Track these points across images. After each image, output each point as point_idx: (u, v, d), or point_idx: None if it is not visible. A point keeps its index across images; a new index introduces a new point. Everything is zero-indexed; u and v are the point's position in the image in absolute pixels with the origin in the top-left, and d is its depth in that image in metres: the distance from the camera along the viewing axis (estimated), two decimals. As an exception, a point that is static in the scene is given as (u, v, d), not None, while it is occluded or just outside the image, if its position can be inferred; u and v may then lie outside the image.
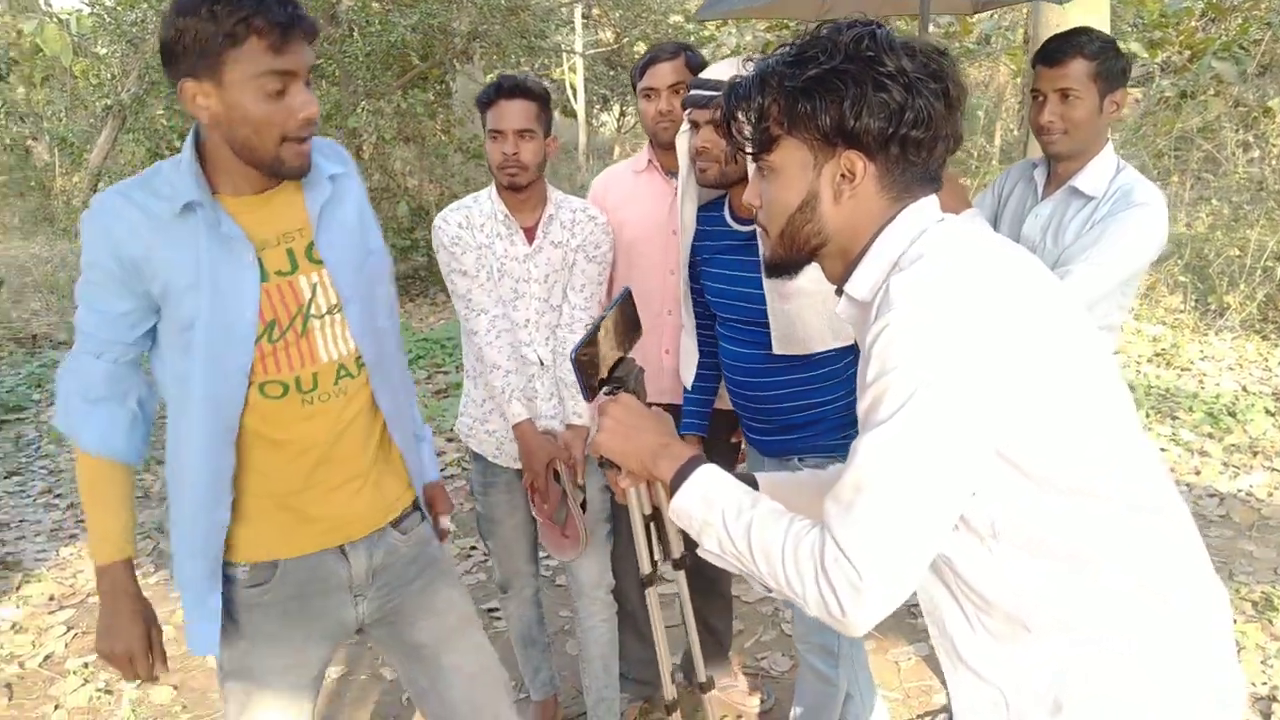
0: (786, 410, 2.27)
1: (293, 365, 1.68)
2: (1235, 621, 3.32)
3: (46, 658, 3.46)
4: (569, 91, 16.64)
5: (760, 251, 1.32)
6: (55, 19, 14.63)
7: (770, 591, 1.23)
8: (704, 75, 2.15)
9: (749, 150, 1.28)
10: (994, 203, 2.58)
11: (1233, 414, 5.18)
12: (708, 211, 2.34)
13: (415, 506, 1.93)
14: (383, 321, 1.82)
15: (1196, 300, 7.04)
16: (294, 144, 1.56)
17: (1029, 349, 1.12)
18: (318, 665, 1.86)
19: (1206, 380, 5.76)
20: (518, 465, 2.57)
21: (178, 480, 1.73)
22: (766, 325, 2.19)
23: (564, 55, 12.24)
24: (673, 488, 1.30)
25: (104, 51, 13.09)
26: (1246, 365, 6.06)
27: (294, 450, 1.71)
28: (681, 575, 1.71)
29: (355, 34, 8.19)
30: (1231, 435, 5.00)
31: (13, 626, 3.68)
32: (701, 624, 2.97)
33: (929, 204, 1.25)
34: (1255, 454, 4.80)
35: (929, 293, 1.11)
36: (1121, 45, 7.43)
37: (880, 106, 1.16)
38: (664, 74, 2.48)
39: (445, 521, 2.04)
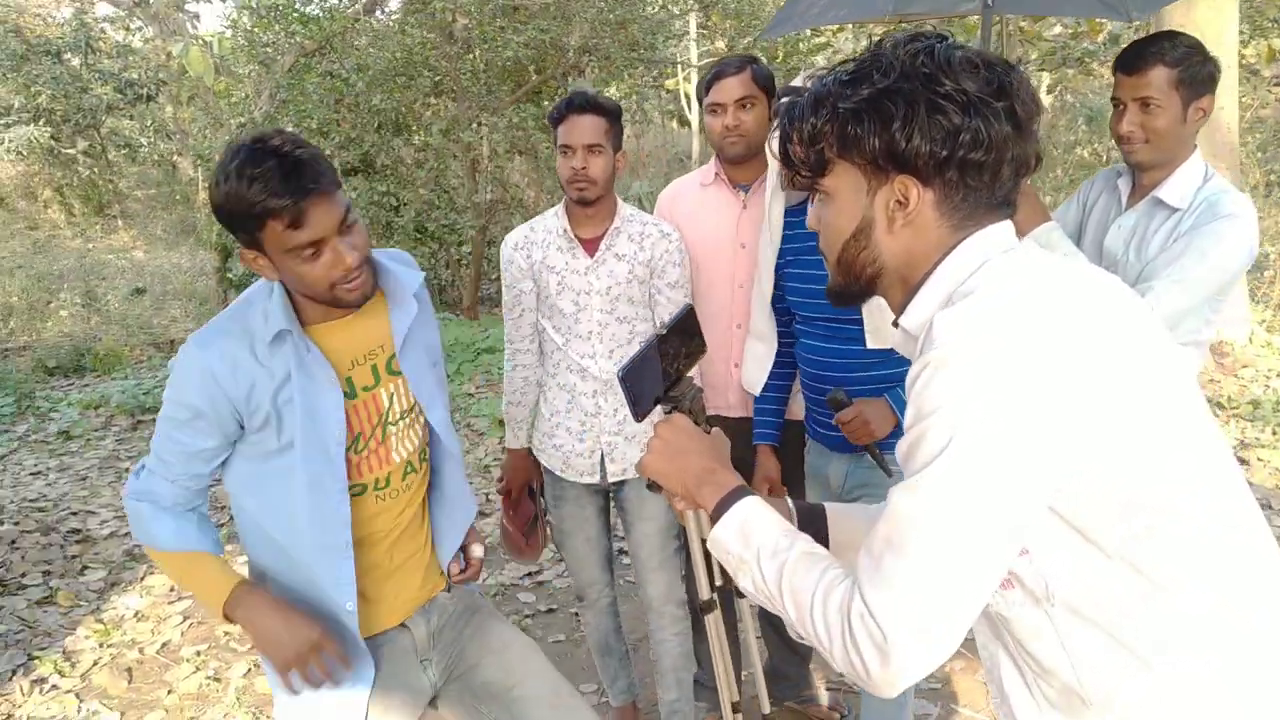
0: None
1: (373, 469, 1.84)
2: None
3: (164, 645, 3.69)
4: (684, 101, 16.71)
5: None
6: (201, 41, 15.50)
7: (802, 639, 1.17)
8: (795, 83, 2.11)
9: (803, 174, 1.22)
10: (1079, 212, 2.51)
11: (1367, 433, 4.88)
12: (793, 215, 2.34)
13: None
14: (443, 416, 1.96)
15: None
16: (343, 285, 1.67)
17: (1088, 389, 1.02)
18: None
19: (1341, 397, 5.43)
20: (585, 480, 2.65)
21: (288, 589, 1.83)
22: (857, 321, 2.20)
23: (679, 66, 12.29)
24: (713, 518, 1.26)
25: (243, 71, 13.80)
26: (1388, 381, 5.69)
27: (364, 543, 1.84)
28: (744, 602, 1.71)
29: (474, 51, 8.44)
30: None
31: (135, 615, 3.94)
32: (781, 639, 2.99)
33: (997, 232, 1.15)
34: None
35: (974, 331, 1.03)
36: (1264, 41, 7.02)
37: (934, 128, 1.09)
38: (730, 89, 2.48)
39: (478, 550, 2.12)
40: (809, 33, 13.05)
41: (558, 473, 2.69)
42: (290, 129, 9.67)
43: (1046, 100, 14.12)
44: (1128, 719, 1.12)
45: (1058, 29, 12.21)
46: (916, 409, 1.04)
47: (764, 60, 2.53)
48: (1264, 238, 7.38)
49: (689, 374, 1.45)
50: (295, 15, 9.11)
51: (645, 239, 2.55)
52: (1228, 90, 6.19)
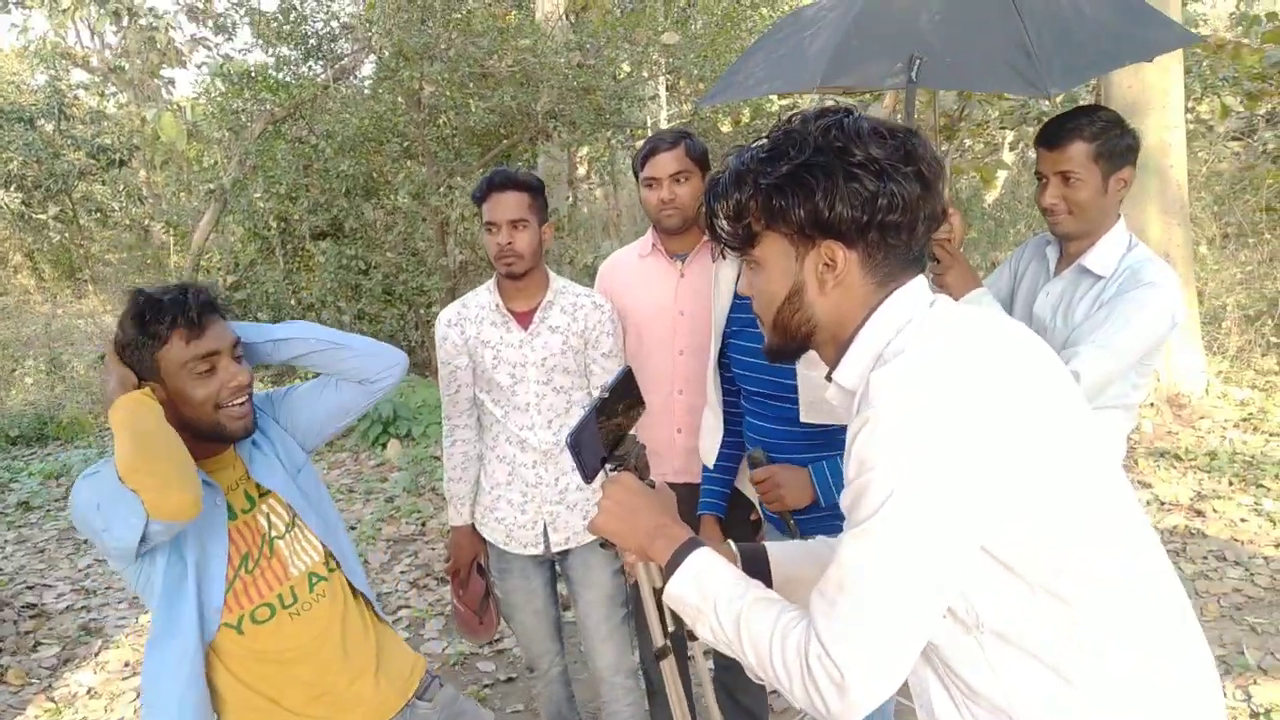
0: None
1: (271, 586, 1.88)
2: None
3: (115, 723, 3.63)
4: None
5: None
6: (175, 106, 15.63)
7: (761, 680, 1.23)
8: None
9: (732, 245, 1.29)
10: (1010, 279, 2.56)
11: (1323, 482, 4.94)
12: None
13: (431, 675, 2.12)
14: (332, 518, 2.05)
15: (1291, 362, 6.74)
16: (231, 406, 1.81)
17: (1013, 441, 1.09)
18: None
19: (1297, 446, 5.50)
20: (529, 551, 2.66)
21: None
22: (793, 398, 2.20)
23: (648, 128, 12.50)
24: (667, 572, 1.31)
25: (213, 137, 13.89)
26: (1342, 431, 5.77)
27: (301, 663, 1.89)
28: (702, 664, 1.72)
29: (442, 117, 8.54)
30: (1320, 503, 4.76)
31: (88, 692, 3.87)
32: (733, 702, 2.97)
33: (916, 287, 1.23)
34: (1344, 525, 4.56)
35: (907, 389, 1.10)
36: (1217, 98, 7.20)
37: (853, 196, 1.16)
38: (665, 163, 2.54)
39: None
40: (776, 95, 13.31)
41: (501, 546, 2.69)
42: (259, 194, 9.75)
43: (1009, 157, 14.39)
44: None
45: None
46: (858, 463, 1.11)
47: (696, 136, 2.59)
48: (1220, 288, 7.53)
49: (631, 432, 1.50)
50: (265, 82, 9.22)
51: (578, 310, 2.59)
52: (1176, 149, 6.34)
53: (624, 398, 1.48)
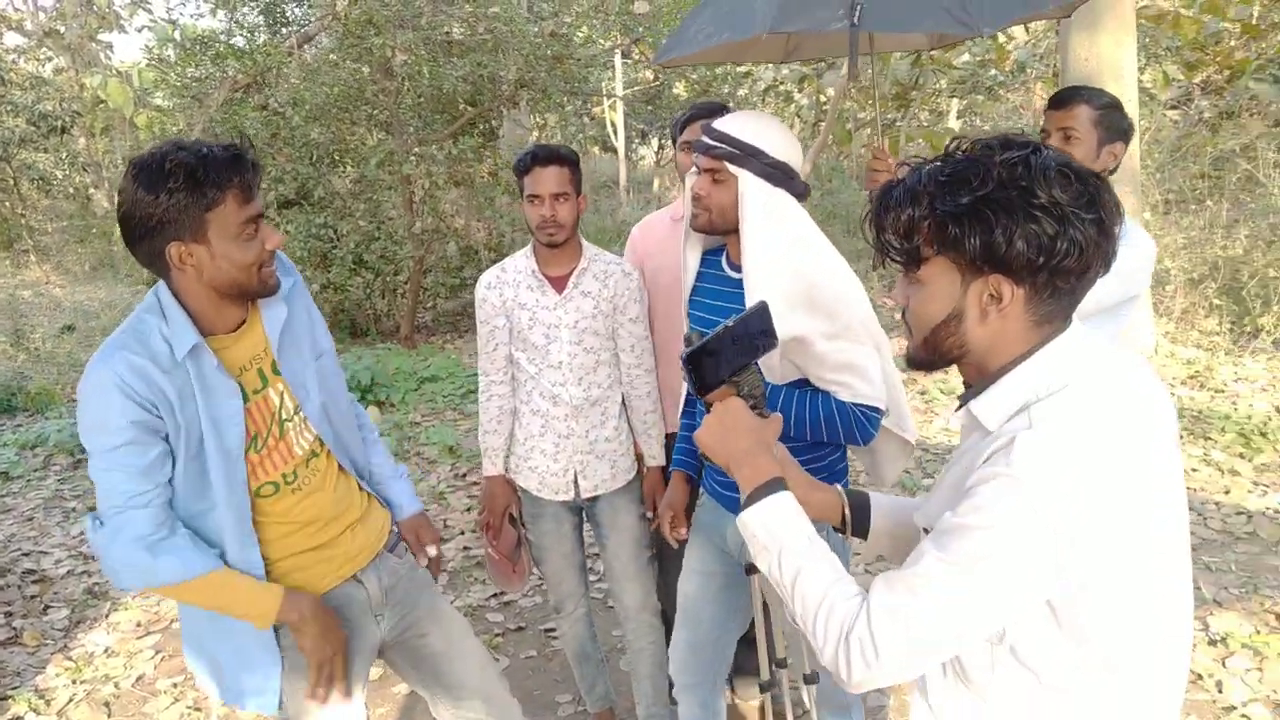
0: None
1: (277, 465, 1.96)
2: (1259, 632, 3.46)
3: (139, 678, 3.75)
4: (609, 129, 16.98)
5: (905, 345, 1.38)
6: (118, 74, 15.29)
7: (796, 623, 1.34)
8: (718, 124, 2.18)
9: (895, 260, 1.30)
10: None
11: (1264, 434, 5.28)
12: (711, 255, 2.42)
13: (398, 534, 2.28)
14: (339, 407, 2.13)
15: (1232, 323, 7.11)
16: (266, 268, 1.85)
17: (1120, 532, 1.15)
18: (361, 679, 2.14)
19: (1240, 401, 5.86)
20: (560, 498, 2.84)
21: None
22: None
23: (605, 96, 12.57)
24: (746, 502, 1.39)
25: (164, 104, 13.67)
26: (1279, 386, 6.15)
27: (299, 525, 2.01)
28: (754, 579, 1.82)
29: (407, 85, 8.56)
30: (1262, 454, 5.11)
31: (105, 651, 3.97)
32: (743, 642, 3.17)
33: (1073, 341, 1.25)
34: (1286, 473, 4.91)
35: (1053, 470, 1.13)
36: (1159, 68, 7.48)
37: (1032, 237, 1.16)
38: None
39: (432, 550, 2.34)
40: (733, 64, 13.46)
41: (534, 492, 2.86)
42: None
43: (956, 124, 14.74)
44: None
45: (965, 57, 12.80)
46: (976, 505, 1.16)
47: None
48: (1164, 253, 7.88)
49: (754, 363, 1.55)
50: (228, 50, 9.13)
51: (609, 277, 2.76)
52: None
53: (757, 329, 1.51)
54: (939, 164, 1.24)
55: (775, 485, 1.39)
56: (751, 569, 1.77)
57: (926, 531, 1.36)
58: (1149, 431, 1.22)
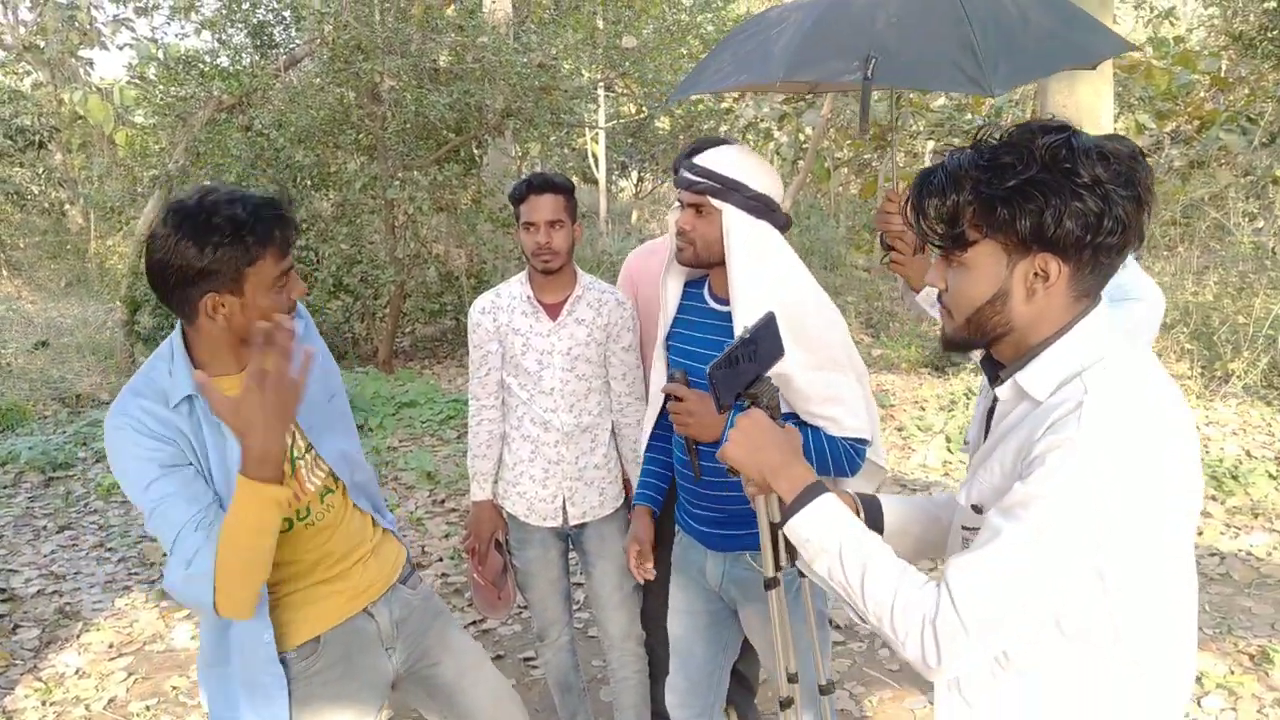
0: (737, 499, 2.25)
1: (291, 504, 1.95)
2: (1234, 672, 3.51)
3: (110, 700, 3.68)
4: (591, 160, 17.07)
5: (942, 327, 1.42)
6: (98, 90, 15.21)
7: (864, 621, 1.34)
8: (699, 159, 2.19)
9: (938, 244, 1.33)
10: None
11: (1235, 477, 5.36)
12: (692, 287, 2.40)
13: (412, 566, 2.27)
14: (349, 444, 2.13)
15: (1203, 367, 7.23)
16: (290, 315, 1.85)
17: (1166, 500, 1.21)
18: (372, 712, 2.12)
19: (1211, 445, 5.94)
20: (548, 524, 2.84)
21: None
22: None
23: (587, 127, 12.67)
24: (791, 509, 1.40)
25: (145, 122, 13.61)
26: (1250, 430, 6.24)
27: (310, 560, 2.01)
28: (773, 593, 1.78)
29: (392, 112, 8.60)
30: (1234, 497, 5.18)
31: (76, 672, 3.90)
32: (735, 680, 3.17)
33: (1104, 316, 1.31)
34: (1256, 515, 4.98)
35: (1113, 432, 1.19)
36: (1131, 116, 7.60)
37: (1078, 215, 1.21)
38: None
39: None
40: (714, 99, 13.61)
41: (521, 518, 2.87)
42: (207, 183, 9.63)
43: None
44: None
45: (942, 100, 13.02)
46: (1048, 470, 1.20)
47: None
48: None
49: (767, 374, 1.58)
50: (213, 70, 9.13)
51: (603, 306, 2.80)
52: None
53: (766, 341, 1.55)
54: (974, 151, 1.28)
55: (817, 489, 1.40)
56: (771, 583, 1.75)
57: (976, 509, 1.38)
58: (1182, 399, 1.30)
